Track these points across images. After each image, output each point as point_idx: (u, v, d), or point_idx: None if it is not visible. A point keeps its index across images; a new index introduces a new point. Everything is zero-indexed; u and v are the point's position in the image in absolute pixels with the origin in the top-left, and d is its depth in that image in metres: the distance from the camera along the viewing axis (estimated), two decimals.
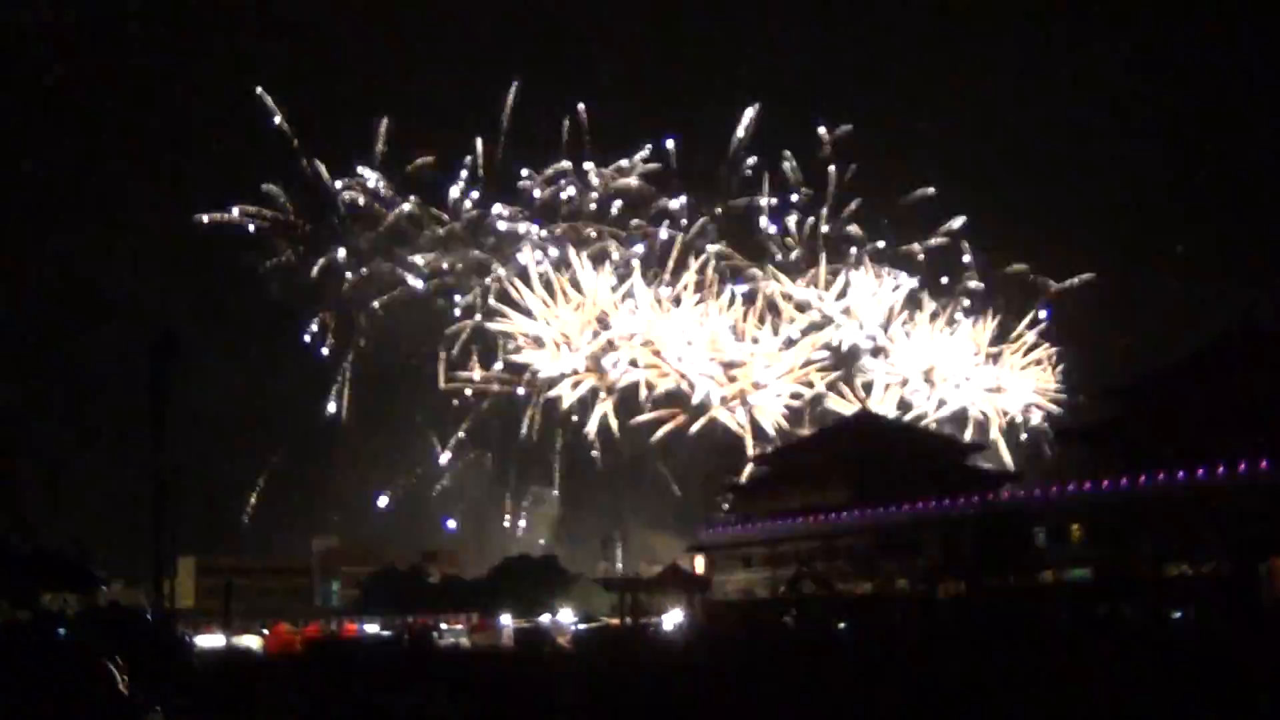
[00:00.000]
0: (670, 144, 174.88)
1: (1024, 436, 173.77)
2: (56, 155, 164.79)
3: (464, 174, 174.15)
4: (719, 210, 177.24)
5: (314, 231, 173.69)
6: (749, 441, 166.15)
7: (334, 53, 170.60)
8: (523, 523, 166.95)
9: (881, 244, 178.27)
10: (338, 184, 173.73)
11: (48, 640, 25.17)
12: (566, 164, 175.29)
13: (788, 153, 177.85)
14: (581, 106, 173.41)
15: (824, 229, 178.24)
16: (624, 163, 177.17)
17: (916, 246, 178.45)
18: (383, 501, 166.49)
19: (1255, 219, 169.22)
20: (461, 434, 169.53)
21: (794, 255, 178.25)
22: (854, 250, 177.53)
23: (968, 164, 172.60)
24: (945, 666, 40.12)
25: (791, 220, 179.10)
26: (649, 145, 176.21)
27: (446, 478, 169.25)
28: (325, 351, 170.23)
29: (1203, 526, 76.66)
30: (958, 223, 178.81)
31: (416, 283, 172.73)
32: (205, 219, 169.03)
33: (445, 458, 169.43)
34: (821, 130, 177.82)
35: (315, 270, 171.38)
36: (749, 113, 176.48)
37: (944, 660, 43.01)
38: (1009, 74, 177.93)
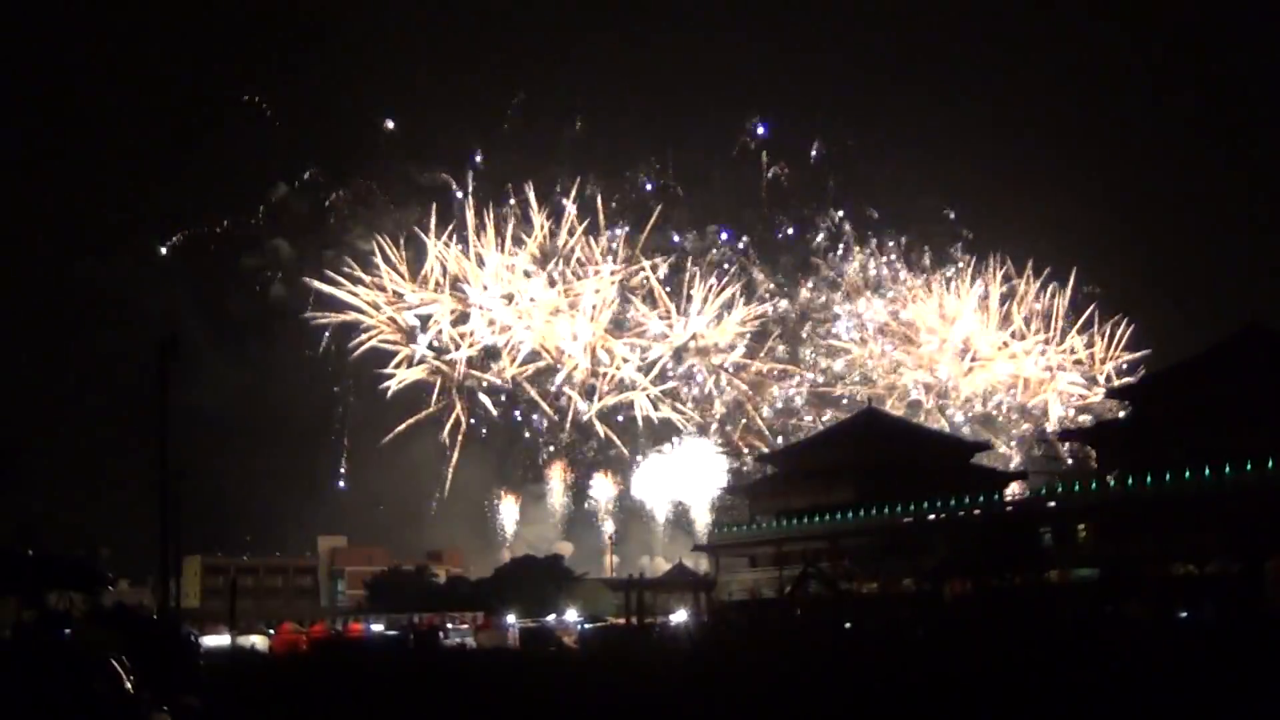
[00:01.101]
0: (670, 154, 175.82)
1: (1033, 438, 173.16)
2: (57, 157, 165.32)
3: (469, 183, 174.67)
4: (718, 225, 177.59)
5: (313, 235, 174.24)
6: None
7: (335, 61, 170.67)
8: (523, 527, 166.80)
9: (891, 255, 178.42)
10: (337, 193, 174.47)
11: (53, 640, 25.15)
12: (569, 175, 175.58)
13: (785, 164, 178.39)
14: (578, 125, 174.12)
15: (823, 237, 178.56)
16: (641, 179, 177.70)
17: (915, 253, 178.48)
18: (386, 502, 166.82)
19: (1265, 218, 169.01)
20: (463, 434, 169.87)
21: (798, 262, 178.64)
22: (858, 258, 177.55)
23: (972, 172, 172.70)
24: (951, 666, 40.05)
25: (795, 229, 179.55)
26: (653, 158, 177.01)
27: (452, 477, 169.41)
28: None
29: (1209, 527, 76.61)
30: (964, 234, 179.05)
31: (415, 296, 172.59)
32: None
33: (450, 457, 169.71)
34: (816, 146, 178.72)
35: (315, 281, 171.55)
36: (753, 125, 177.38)
37: (950, 660, 42.93)
38: (1011, 76, 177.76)
